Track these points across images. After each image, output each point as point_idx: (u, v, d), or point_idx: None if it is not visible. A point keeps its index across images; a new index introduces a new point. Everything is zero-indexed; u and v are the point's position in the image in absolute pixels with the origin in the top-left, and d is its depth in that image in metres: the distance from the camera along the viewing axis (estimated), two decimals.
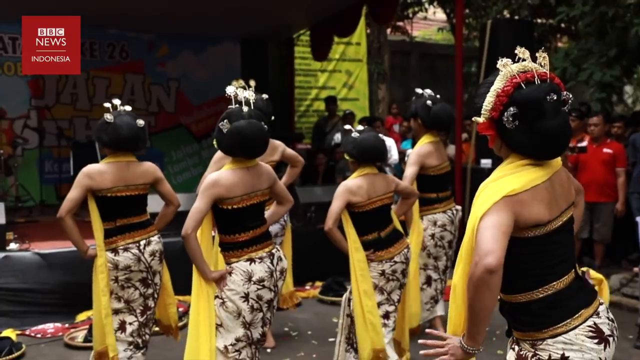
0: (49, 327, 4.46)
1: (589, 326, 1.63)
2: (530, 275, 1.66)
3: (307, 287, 5.45)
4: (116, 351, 3.17)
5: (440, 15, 13.01)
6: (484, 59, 6.37)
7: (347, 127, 3.58)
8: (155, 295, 3.32)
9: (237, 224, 2.79)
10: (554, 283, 1.65)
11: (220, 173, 2.79)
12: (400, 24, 12.88)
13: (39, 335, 4.34)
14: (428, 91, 4.11)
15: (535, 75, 1.60)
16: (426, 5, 12.15)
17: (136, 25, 8.17)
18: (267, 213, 3.05)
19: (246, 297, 2.74)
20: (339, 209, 3.17)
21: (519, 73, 1.61)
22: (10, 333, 4.23)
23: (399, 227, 3.44)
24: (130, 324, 3.23)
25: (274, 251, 2.87)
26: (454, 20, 9.17)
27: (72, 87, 8.36)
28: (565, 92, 1.64)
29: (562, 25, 10.41)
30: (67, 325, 4.48)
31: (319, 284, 5.46)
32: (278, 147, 4.02)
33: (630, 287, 5.05)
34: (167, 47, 8.82)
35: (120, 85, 8.63)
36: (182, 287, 4.89)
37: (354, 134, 3.29)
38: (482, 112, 1.64)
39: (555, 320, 1.63)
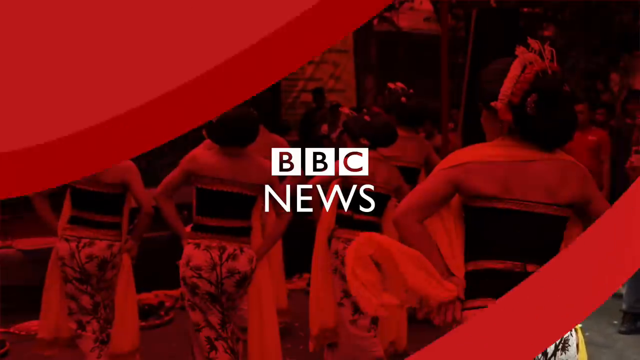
0: (34, 324, 4.41)
1: (482, 307, 1.64)
2: (468, 244, 1.74)
3: (295, 279, 5.45)
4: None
5: (428, 5, 12.98)
6: (469, 48, 6.35)
7: (345, 110, 3.34)
8: (105, 303, 3.16)
9: (202, 206, 2.76)
10: (481, 261, 1.70)
11: (202, 150, 2.81)
12: (387, 14, 12.83)
13: (23, 333, 4.30)
14: (400, 85, 4.07)
15: (548, 67, 1.65)
16: None
17: None
18: (265, 234, 2.95)
19: (183, 280, 2.73)
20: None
21: (535, 62, 1.65)
22: None
23: (385, 230, 3.13)
24: (87, 322, 3.15)
25: (228, 246, 2.70)
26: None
27: None
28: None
29: (549, 13, 10.44)
30: None
31: (306, 275, 5.45)
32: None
33: None
34: None
35: None
36: (168, 281, 4.93)
37: (365, 117, 3.08)
38: (501, 97, 1.67)
39: (467, 294, 1.69)
